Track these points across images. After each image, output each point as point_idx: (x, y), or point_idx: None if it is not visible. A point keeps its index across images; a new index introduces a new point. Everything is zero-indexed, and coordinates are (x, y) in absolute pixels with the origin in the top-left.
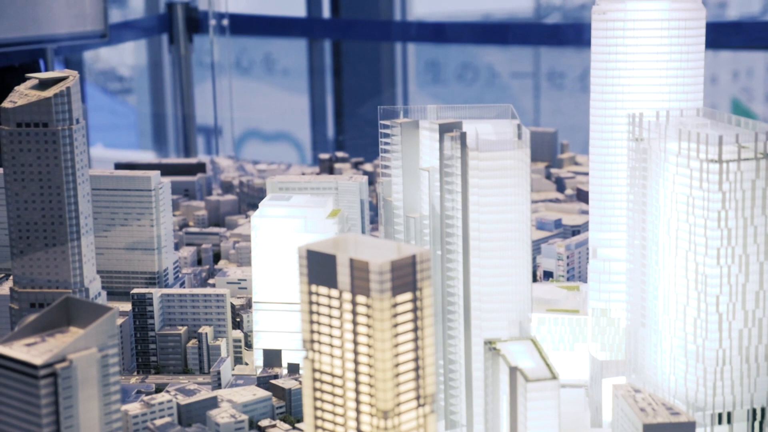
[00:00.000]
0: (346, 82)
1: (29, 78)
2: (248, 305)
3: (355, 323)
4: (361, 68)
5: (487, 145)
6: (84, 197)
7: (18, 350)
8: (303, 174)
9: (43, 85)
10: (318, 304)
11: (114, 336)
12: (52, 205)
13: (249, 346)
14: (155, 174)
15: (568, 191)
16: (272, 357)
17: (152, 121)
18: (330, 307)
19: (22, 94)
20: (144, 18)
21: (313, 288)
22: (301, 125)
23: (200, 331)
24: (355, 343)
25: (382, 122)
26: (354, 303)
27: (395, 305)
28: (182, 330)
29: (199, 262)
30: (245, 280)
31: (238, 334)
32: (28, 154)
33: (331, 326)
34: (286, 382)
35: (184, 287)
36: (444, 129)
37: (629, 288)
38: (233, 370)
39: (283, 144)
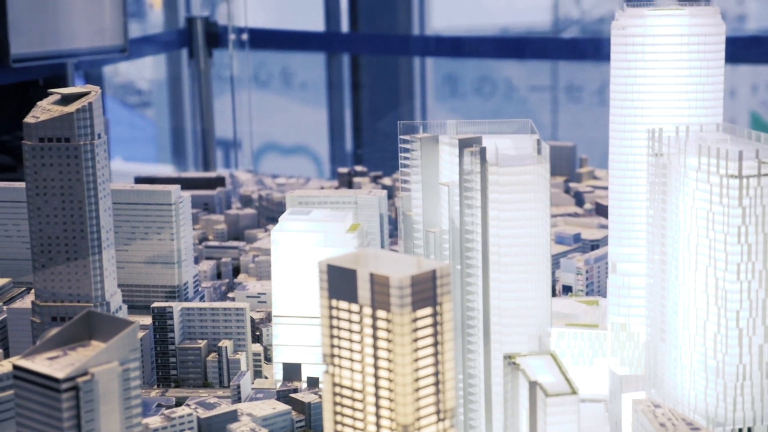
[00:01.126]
0: (364, 96)
1: (52, 93)
2: (267, 319)
3: (375, 338)
4: (379, 82)
5: (507, 160)
6: (105, 211)
7: (40, 364)
8: (322, 188)
9: (66, 100)
10: (338, 318)
11: (135, 350)
12: (73, 219)
13: (268, 359)
14: (175, 188)
15: (587, 205)
16: (292, 371)
17: (171, 134)
18: (350, 321)
19: (45, 110)
20: (164, 33)
21: (334, 302)
22: (319, 139)
23: (220, 344)
24: (376, 357)
25: (402, 137)
26: (374, 318)
27: (415, 320)
28: (202, 343)
29: (219, 276)
30: (264, 293)
31: (257, 347)
32: (51, 168)
33: (351, 341)
34: (305, 396)
35: (204, 301)
36: (464, 144)
37: (649, 303)
38: (253, 383)
39: (301, 157)
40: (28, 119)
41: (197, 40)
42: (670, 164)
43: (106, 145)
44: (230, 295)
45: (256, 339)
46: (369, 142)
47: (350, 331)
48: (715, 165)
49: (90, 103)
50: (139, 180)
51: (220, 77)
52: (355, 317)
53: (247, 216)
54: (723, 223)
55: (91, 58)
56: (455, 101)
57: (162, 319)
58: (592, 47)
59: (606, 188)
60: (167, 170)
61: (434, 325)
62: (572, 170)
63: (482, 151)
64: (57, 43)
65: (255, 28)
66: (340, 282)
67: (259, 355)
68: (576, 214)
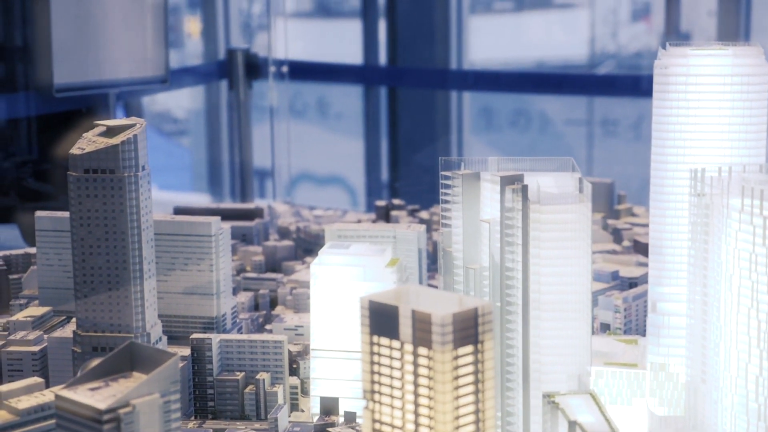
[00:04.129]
0: (401, 128)
1: (97, 125)
2: (305, 352)
3: (416, 375)
4: (416, 114)
5: (549, 198)
6: (148, 242)
7: (82, 394)
8: (359, 221)
9: (111, 132)
10: (379, 354)
11: (176, 382)
12: (116, 250)
13: (305, 392)
14: (216, 219)
15: (625, 243)
16: (329, 405)
17: (208, 164)
18: (391, 358)
19: (90, 141)
20: (204, 64)
21: (375, 339)
22: (354, 169)
23: (258, 377)
24: (416, 394)
25: (443, 173)
26: (415, 354)
27: (456, 358)
28: (240, 376)
29: (256, 308)
30: (302, 326)
31: (294, 380)
32: (95, 199)
33: (391, 377)
34: (343, 431)
35: (242, 332)
36: (505, 181)
37: (689, 343)
38: (290, 416)
39: (336, 187)
40: (74, 150)
41: (237, 71)
42: (713, 204)
43: (149, 177)
44: (267, 327)
45: (293, 372)
46: (405, 175)
47: (391, 367)
48: (758, 206)
49: (135, 135)
50: (178, 211)
51: (257, 107)
52: (396, 354)
53: (285, 248)
54: (766, 265)
55: (133, 89)
56: (491, 134)
57: (200, 350)
58: (628, 83)
59: (644, 225)
60: (203, 199)
61: (475, 363)
62: (610, 207)
63: (524, 189)
64: (99, 73)
65: (295, 61)
66: (381, 318)
67: (296, 388)
68: (614, 251)
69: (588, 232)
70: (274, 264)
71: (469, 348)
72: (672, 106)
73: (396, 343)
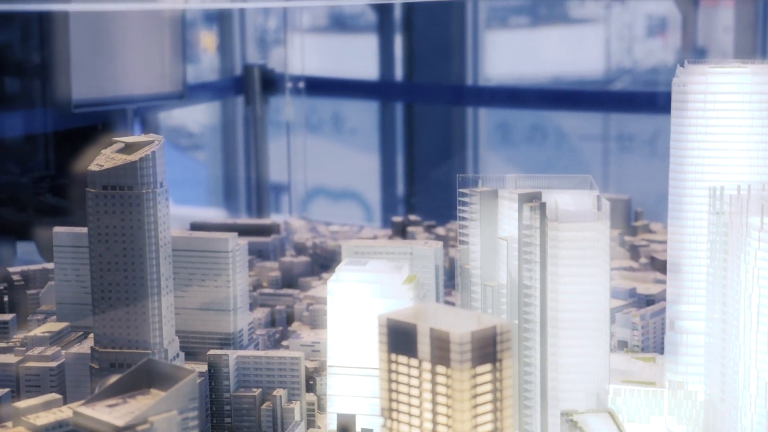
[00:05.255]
0: (417, 144)
1: (115, 141)
2: (322, 368)
3: (434, 393)
4: (432, 129)
5: (567, 216)
6: (165, 259)
7: (100, 411)
8: (375, 237)
9: (129, 148)
10: (397, 372)
11: (194, 399)
12: (134, 266)
13: (322, 409)
14: (233, 235)
15: (642, 259)
16: (346, 421)
17: (223, 178)
18: (409, 376)
19: (109, 158)
20: (221, 80)
21: (393, 357)
22: (370, 185)
23: (274, 393)
24: (434, 413)
25: (461, 190)
26: (434, 373)
27: (475, 376)
28: (257, 392)
29: (273, 324)
30: (318, 342)
31: (311, 397)
32: (113, 216)
33: (410, 395)
34: None
35: (258, 348)
36: (523, 199)
37: (708, 362)
38: None
39: (350, 202)
40: (93, 167)
41: (254, 87)
42: (732, 223)
43: (167, 194)
44: (284, 343)
45: (310, 388)
46: (421, 191)
47: (409, 385)
48: None
49: (153, 152)
50: (194, 226)
51: (273, 122)
52: (414, 372)
53: (301, 263)
54: None
55: (150, 104)
56: (507, 150)
57: (217, 366)
58: (645, 99)
59: (661, 242)
60: (219, 214)
61: (494, 381)
62: (627, 223)
63: (542, 207)
64: (117, 88)
65: (311, 76)
66: (399, 336)
67: (313, 404)
68: (631, 268)
69: (606, 249)
70: (290, 280)
71: (488, 366)
72: (690, 124)
73: (414, 361)
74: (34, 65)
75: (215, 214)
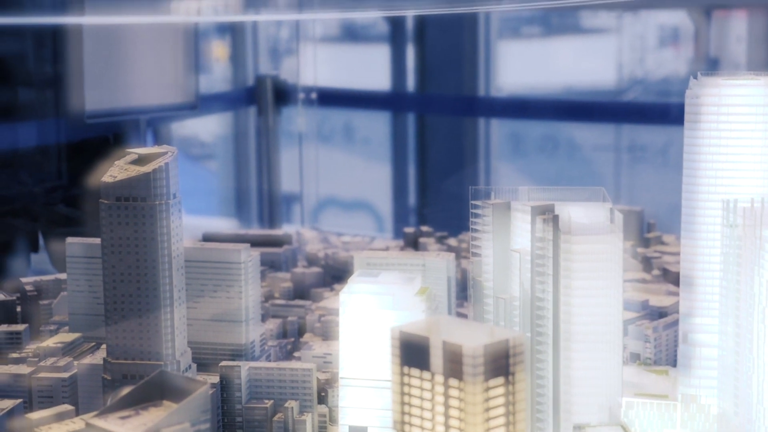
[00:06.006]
0: (429, 153)
1: (129, 153)
2: (333, 380)
3: (446, 406)
4: (444, 139)
5: (580, 228)
6: (178, 270)
7: (113, 423)
8: (387, 248)
9: (142, 160)
10: (410, 385)
11: (206, 411)
12: (147, 278)
13: (334, 421)
14: (245, 247)
15: (655, 271)
16: None
17: (235, 189)
18: (422, 389)
19: (122, 169)
20: (233, 90)
21: (406, 369)
22: (381, 195)
23: (286, 405)
24: (447, 426)
25: (473, 202)
26: (446, 386)
27: (487, 389)
28: (269, 404)
29: (285, 335)
30: (330, 354)
31: (323, 409)
32: (126, 227)
33: (422, 408)
34: None
35: (270, 360)
36: (536, 211)
37: (721, 375)
38: None
39: (362, 212)
40: (106, 178)
41: (266, 97)
42: (745, 236)
43: (180, 205)
44: (296, 354)
45: (322, 400)
46: (433, 201)
47: (421, 398)
48: None
49: (166, 164)
50: (207, 237)
51: (285, 132)
52: (427, 385)
53: (313, 275)
54: None
55: (162, 115)
56: (519, 160)
57: (229, 378)
58: (657, 109)
59: (674, 254)
60: (230, 225)
61: (506, 395)
62: (640, 235)
63: (555, 219)
64: (129, 99)
65: (324, 87)
66: (412, 349)
67: (324, 416)
68: (644, 280)
69: (619, 262)
70: (302, 291)
71: (501, 380)
72: (704, 136)
73: (427, 374)
74: (48, 76)
75: (227, 225)
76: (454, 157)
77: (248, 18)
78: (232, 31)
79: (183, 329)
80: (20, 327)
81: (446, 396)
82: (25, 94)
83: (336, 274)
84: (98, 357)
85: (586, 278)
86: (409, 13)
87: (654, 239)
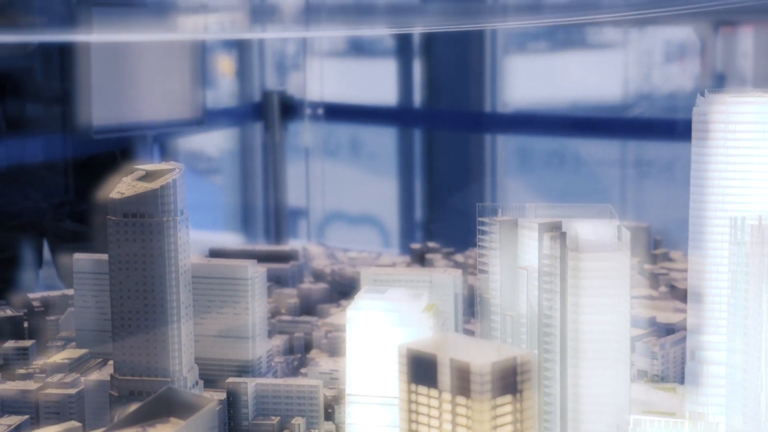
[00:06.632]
0: (436, 168)
1: (136, 169)
2: (340, 397)
3: (454, 424)
4: (451, 154)
5: (588, 245)
6: (185, 287)
7: None
8: (394, 264)
9: (150, 176)
10: (417, 403)
11: (214, 427)
12: (154, 294)
13: None
14: (252, 263)
15: (662, 288)
16: None
17: (242, 204)
18: (429, 406)
19: (130, 185)
20: (240, 106)
21: (413, 387)
22: (387, 210)
23: (293, 422)
24: None
25: (481, 219)
26: (454, 404)
27: (495, 407)
28: (275, 420)
29: (291, 351)
30: (337, 370)
31: (330, 426)
32: (134, 243)
33: (429, 426)
34: None
35: (277, 376)
36: (544, 228)
37: (729, 393)
38: None
39: (368, 227)
40: (114, 195)
41: (273, 113)
42: (753, 253)
43: (187, 221)
44: (302, 370)
45: (329, 417)
46: (440, 217)
47: (429, 416)
48: None
49: (174, 180)
50: (213, 253)
51: (291, 147)
52: (435, 402)
53: (320, 290)
54: None
55: (170, 130)
56: (525, 175)
57: (236, 394)
58: (663, 125)
59: (681, 270)
60: (236, 240)
61: (514, 412)
62: (647, 251)
63: (562, 236)
64: (136, 114)
65: (330, 103)
66: (419, 367)
67: None
68: (651, 297)
69: (627, 279)
70: (308, 307)
71: (508, 397)
72: (711, 153)
73: (434, 392)
74: (56, 91)
75: (233, 239)
76: (460, 172)
77: (255, 36)
78: (239, 46)
79: (190, 345)
80: (27, 343)
81: (454, 414)
82: (33, 109)
83: (343, 290)
84: (105, 373)
85: (593, 295)
86: (416, 31)
87: (661, 255)
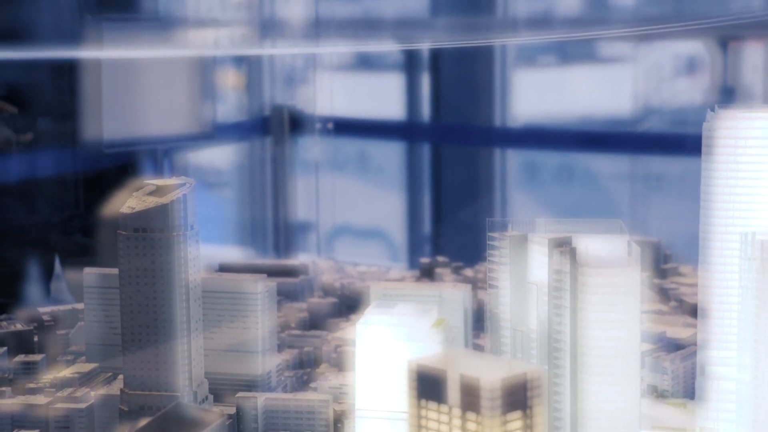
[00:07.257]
0: (444, 182)
1: (147, 184)
2: (349, 411)
3: None
4: (459, 168)
5: (598, 261)
6: (195, 301)
7: None
8: (403, 278)
9: (160, 191)
10: (426, 418)
11: None
12: (164, 308)
13: None
14: (262, 277)
15: (672, 303)
16: None
17: (251, 218)
18: (439, 422)
19: (140, 200)
20: (250, 120)
21: (422, 403)
22: (396, 224)
23: None
24: None
25: (490, 234)
26: (463, 420)
27: (505, 423)
28: None
29: (300, 365)
30: (346, 385)
31: None
32: (144, 258)
33: None
34: None
35: (286, 390)
36: (554, 244)
37: (739, 408)
38: None
39: (377, 242)
40: (124, 209)
41: (282, 127)
42: (763, 269)
43: (198, 236)
44: (311, 385)
45: (337, 431)
46: (449, 231)
47: None
48: None
49: (184, 195)
50: (222, 267)
51: (300, 161)
52: (444, 418)
53: (329, 305)
54: None
55: (179, 145)
56: (534, 189)
57: (245, 409)
58: (672, 139)
59: (691, 285)
60: (245, 254)
61: (524, 429)
62: (656, 266)
63: (572, 252)
64: (146, 129)
65: (340, 117)
66: (429, 382)
67: None
68: (660, 312)
69: (637, 295)
70: (318, 321)
71: (518, 414)
72: (721, 169)
73: (444, 408)
74: (66, 105)
75: (242, 254)
76: (469, 186)
77: (264, 51)
78: (248, 61)
79: (200, 360)
80: (37, 357)
81: (463, 430)
82: (43, 124)
83: (352, 305)
84: (115, 388)
85: (603, 311)
86: (425, 47)
87: (670, 270)
